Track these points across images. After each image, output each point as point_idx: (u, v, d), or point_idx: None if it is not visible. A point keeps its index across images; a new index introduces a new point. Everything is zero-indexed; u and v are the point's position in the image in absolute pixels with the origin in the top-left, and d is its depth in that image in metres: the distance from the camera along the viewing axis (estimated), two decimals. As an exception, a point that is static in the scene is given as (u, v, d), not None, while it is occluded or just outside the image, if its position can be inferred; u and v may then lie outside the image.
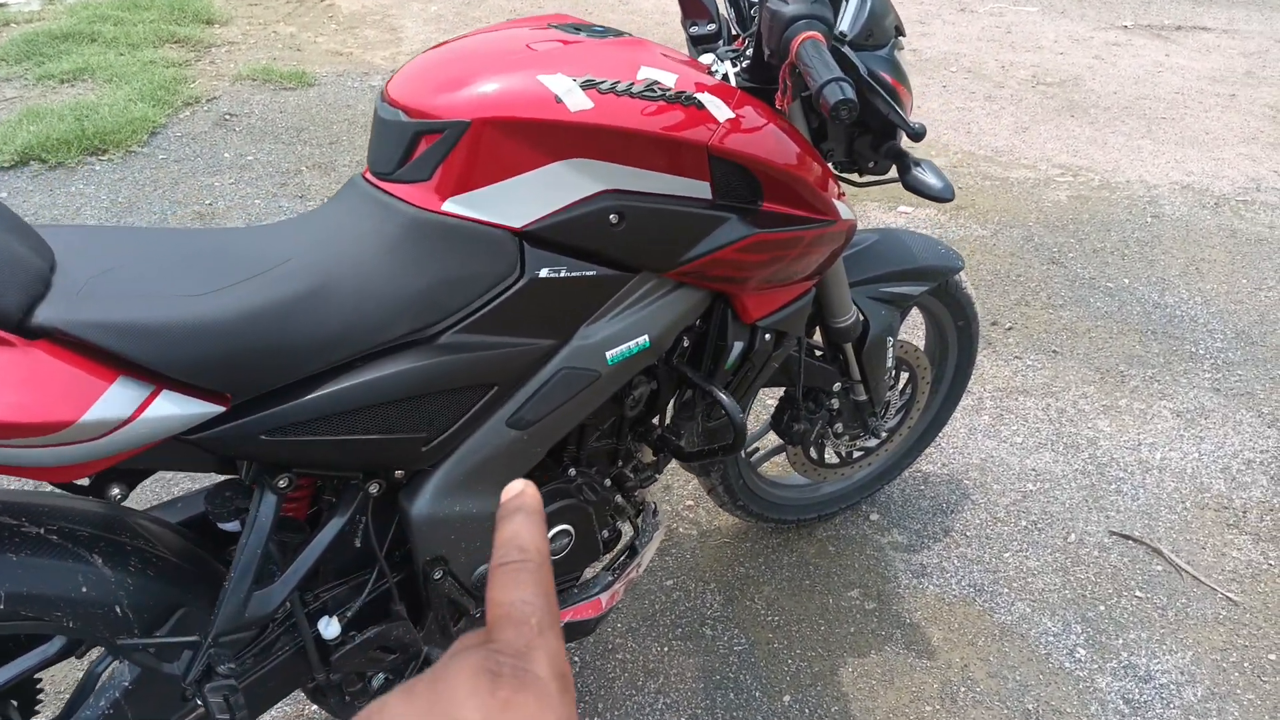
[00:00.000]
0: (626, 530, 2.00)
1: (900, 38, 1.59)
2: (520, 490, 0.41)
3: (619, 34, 1.44)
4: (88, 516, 1.18)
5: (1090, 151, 4.30)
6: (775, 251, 1.45)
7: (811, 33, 1.21)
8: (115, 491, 1.16)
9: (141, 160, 3.89)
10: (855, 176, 1.69)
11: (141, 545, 1.20)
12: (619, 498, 1.63)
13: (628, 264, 1.38)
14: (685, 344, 1.54)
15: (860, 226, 3.62)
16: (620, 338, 1.41)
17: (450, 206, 1.26)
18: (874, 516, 2.32)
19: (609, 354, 1.40)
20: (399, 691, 0.34)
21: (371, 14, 5.83)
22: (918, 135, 1.56)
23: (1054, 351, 2.93)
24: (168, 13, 5.88)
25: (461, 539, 1.38)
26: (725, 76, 1.49)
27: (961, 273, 2.01)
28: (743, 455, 2.04)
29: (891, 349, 1.90)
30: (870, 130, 1.60)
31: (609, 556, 1.73)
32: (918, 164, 1.54)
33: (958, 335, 2.13)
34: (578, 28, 1.41)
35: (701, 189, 1.36)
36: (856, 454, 2.16)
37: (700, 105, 1.31)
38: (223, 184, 3.71)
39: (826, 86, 1.15)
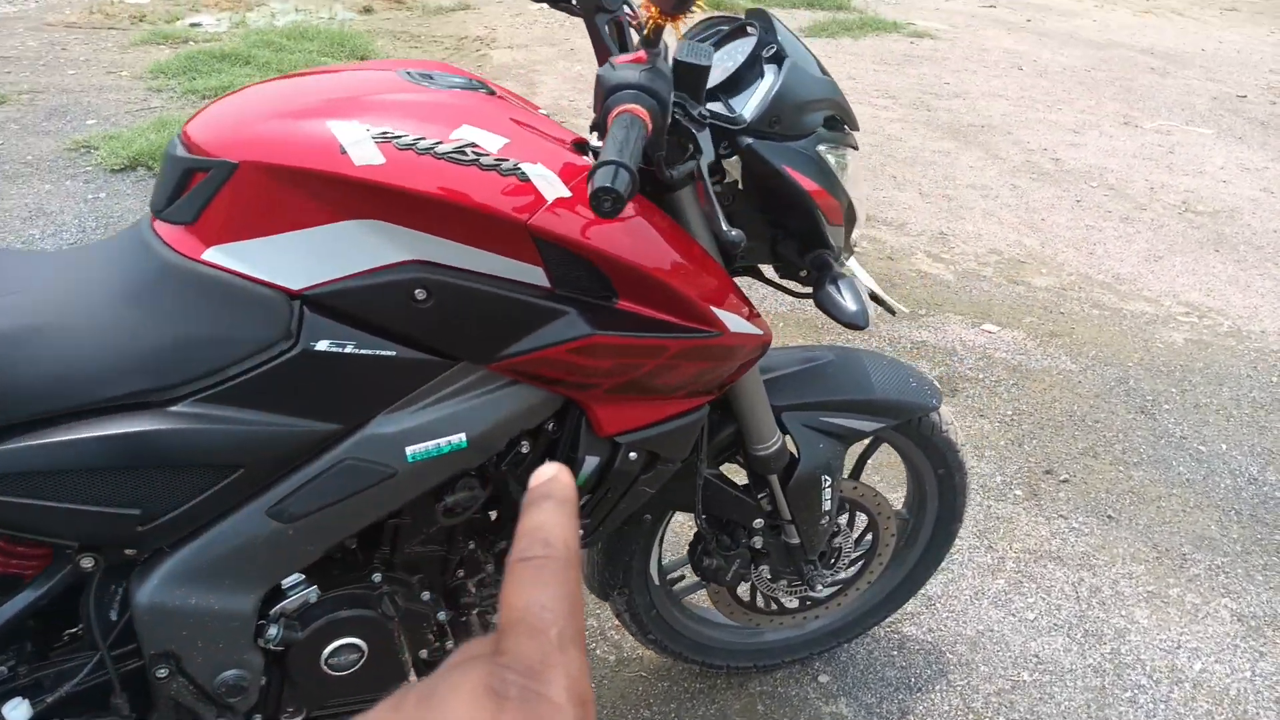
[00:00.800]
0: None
1: (843, 133, 1.34)
2: (552, 475, 0.36)
3: (482, 88, 1.26)
4: None
5: (1227, 293, 3.79)
6: (624, 359, 1.22)
7: (630, 106, 0.99)
8: None
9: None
10: (795, 286, 1.44)
11: None
12: (442, 614, 1.41)
13: (440, 349, 1.18)
14: (524, 449, 1.31)
15: (932, 341, 3.28)
16: (427, 433, 1.21)
17: (212, 255, 1.10)
18: (823, 679, 1.99)
19: (410, 450, 1.20)
20: (384, 705, 0.30)
21: (519, 67, 5.89)
22: (828, 247, 1.30)
23: (1109, 517, 2.51)
24: (327, 45, 6.14)
25: (198, 636, 1.20)
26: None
27: (939, 412, 1.70)
28: (658, 582, 1.78)
29: (830, 489, 1.60)
30: (792, 234, 1.35)
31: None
32: (838, 279, 1.29)
33: (938, 485, 1.80)
34: (430, 75, 1.24)
35: (533, 274, 1.16)
36: (791, 602, 1.85)
37: (524, 178, 1.11)
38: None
39: (597, 170, 0.92)
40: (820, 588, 1.74)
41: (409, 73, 1.23)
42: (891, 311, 1.57)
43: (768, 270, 1.47)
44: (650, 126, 1.00)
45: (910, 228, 4.17)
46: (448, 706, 0.29)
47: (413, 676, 1.47)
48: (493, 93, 1.27)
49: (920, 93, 6.06)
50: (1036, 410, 2.95)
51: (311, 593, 1.29)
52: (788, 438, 1.56)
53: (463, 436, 1.22)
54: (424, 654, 1.43)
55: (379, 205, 1.09)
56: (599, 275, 1.18)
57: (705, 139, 1.17)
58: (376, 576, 1.34)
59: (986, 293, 3.67)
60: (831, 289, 1.28)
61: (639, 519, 1.61)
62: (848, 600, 1.91)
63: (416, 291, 1.12)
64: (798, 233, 1.33)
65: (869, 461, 1.81)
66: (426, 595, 1.38)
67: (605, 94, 1.03)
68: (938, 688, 1.98)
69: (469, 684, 0.29)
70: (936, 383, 1.67)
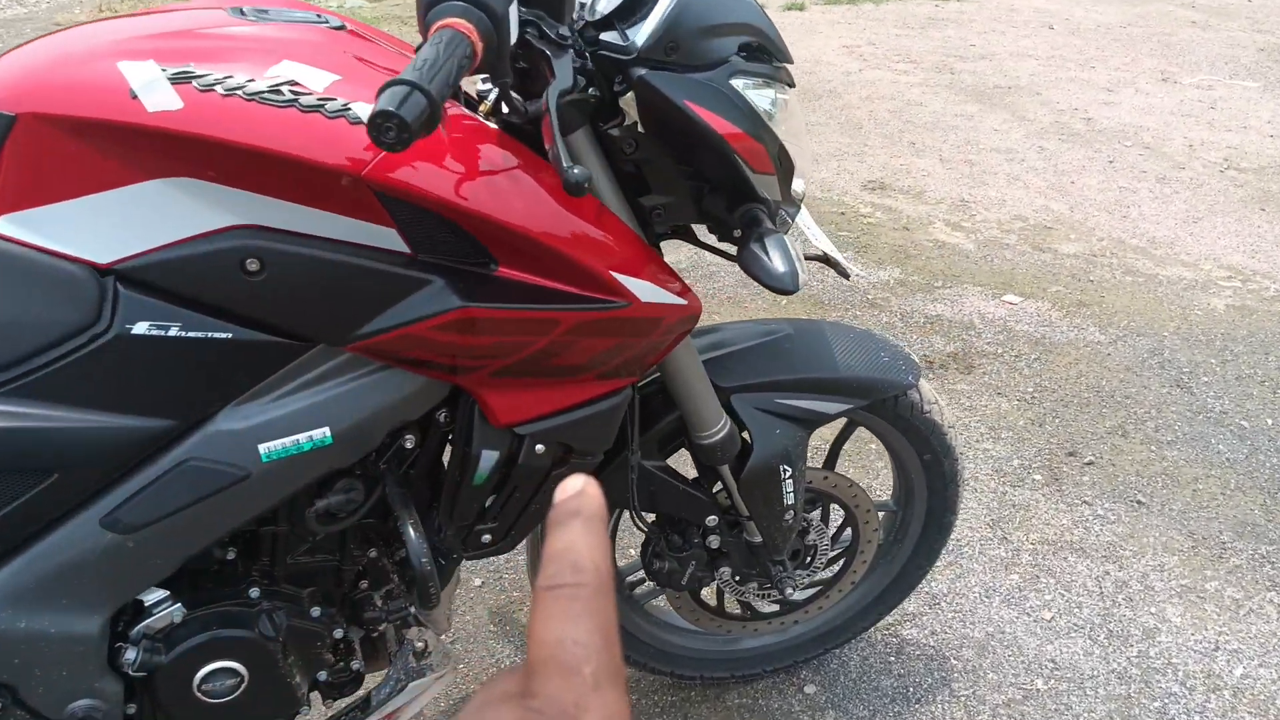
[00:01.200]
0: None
1: (768, 65, 1.13)
2: (579, 489, 0.33)
3: (331, 23, 1.08)
4: None
5: (1274, 254, 3.49)
6: (507, 336, 1.03)
7: (453, 20, 0.80)
8: None
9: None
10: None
11: None
12: (339, 631, 1.23)
13: (285, 329, 1.01)
14: (408, 444, 1.13)
15: (948, 315, 3.04)
16: (283, 428, 1.03)
17: (1, 227, 0.93)
18: (810, 689, 1.79)
19: (264, 448, 1.03)
20: None
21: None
22: (740, 184, 1.10)
23: (1139, 502, 2.26)
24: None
25: (34, 663, 1.04)
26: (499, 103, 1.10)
27: (920, 390, 1.49)
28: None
29: (791, 480, 1.40)
30: (718, 187, 1.15)
31: (345, 704, 1.33)
32: (765, 237, 1.08)
33: (924, 473, 1.59)
34: (266, 11, 1.06)
35: (386, 237, 0.97)
36: (766, 606, 1.65)
37: (355, 120, 0.92)
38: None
39: (383, 91, 0.73)
40: (793, 590, 1.53)
41: (240, 9, 1.05)
42: (845, 275, 1.36)
43: (704, 235, 1.27)
44: (479, 47, 0.81)
45: (929, 195, 3.92)
46: None
47: (317, 697, 1.31)
48: (342, 28, 1.08)
49: (944, 55, 5.77)
50: (1060, 386, 2.70)
51: (176, 611, 1.12)
52: (738, 423, 1.36)
53: (326, 431, 1.05)
54: (324, 676, 1.26)
55: (187, 160, 0.91)
56: (467, 238, 0.99)
57: (564, 65, 0.97)
58: (254, 592, 1.16)
59: (1009, 262, 3.42)
60: (756, 247, 1.08)
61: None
62: (830, 603, 1.70)
63: (247, 262, 0.95)
64: (723, 185, 1.13)
65: (844, 449, 1.61)
66: (317, 611, 1.20)
67: (425, 7, 0.84)
68: (939, 698, 1.77)
69: None
70: (915, 357, 1.46)
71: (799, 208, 1.27)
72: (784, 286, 1.05)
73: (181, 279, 0.95)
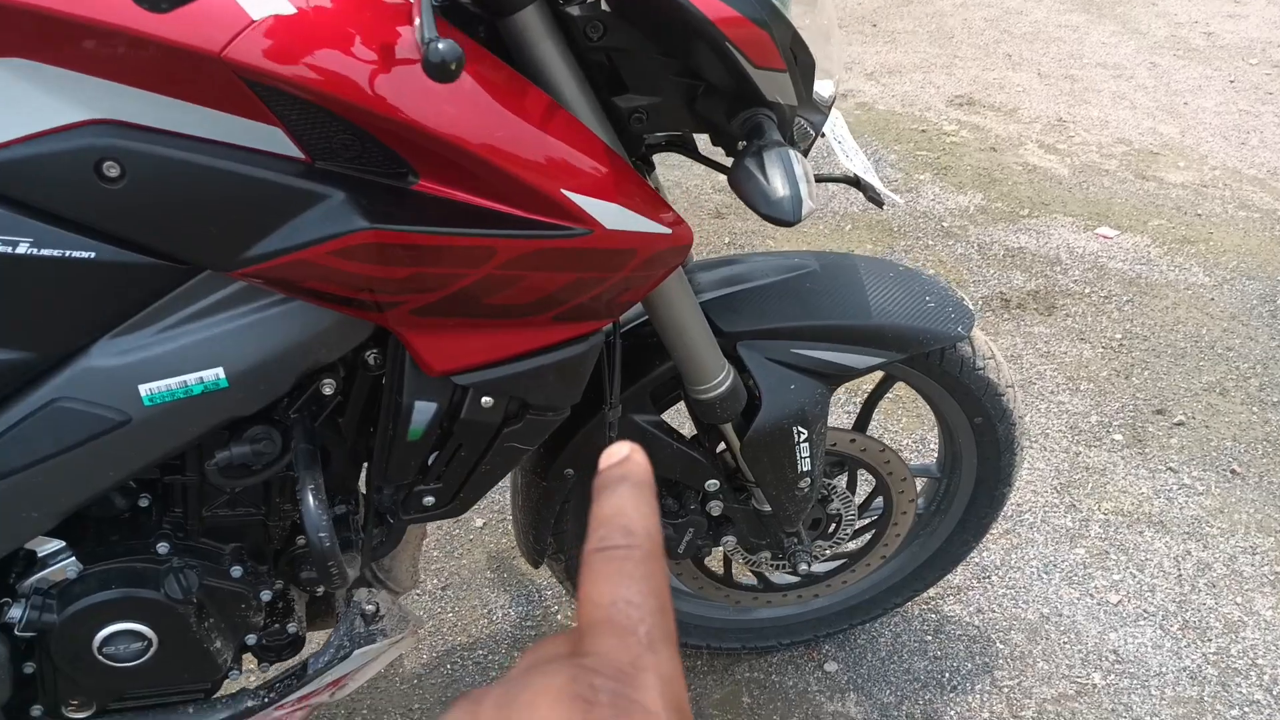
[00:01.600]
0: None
1: None
2: (625, 455, 0.33)
3: None
4: None
5: None
6: (428, 266, 0.83)
7: None
8: None
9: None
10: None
11: None
12: (267, 593, 1.08)
13: (160, 249, 0.83)
14: (326, 390, 0.95)
15: (1032, 247, 2.74)
16: (167, 366, 0.87)
17: None
18: (830, 667, 1.60)
19: (146, 389, 0.87)
20: (458, 709, 0.27)
21: None
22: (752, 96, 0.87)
23: (1233, 472, 1.98)
24: None
25: None
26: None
27: (972, 342, 1.25)
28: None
29: (808, 443, 1.19)
30: (715, 88, 0.92)
31: (282, 669, 1.19)
32: (766, 151, 0.86)
33: (975, 437, 1.36)
34: None
35: (273, 139, 0.78)
36: (781, 578, 1.46)
37: (221, -20, 0.72)
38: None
39: None
40: (809, 565, 1.33)
41: None
42: (877, 203, 1.11)
43: (707, 147, 1.04)
44: None
45: (1022, 114, 3.55)
46: (532, 714, 0.25)
47: (252, 663, 1.17)
48: None
49: (1053, -40, 5.24)
50: (1153, 334, 2.40)
51: (70, 566, 0.98)
52: (745, 375, 1.15)
53: (219, 373, 0.87)
54: (252, 640, 1.12)
55: (24, 35, 0.73)
56: (374, 143, 0.79)
57: None
58: (163, 547, 1.01)
59: (1107, 190, 3.06)
60: (751, 163, 0.85)
61: (559, 474, 1.24)
62: (856, 577, 1.50)
63: (104, 165, 0.76)
64: (720, 84, 0.90)
65: (880, 405, 1.38)
66: (238, 570, 1.05)
67: None
68: (978, 687, 1.56)
69: (552, 689, 0.26)
70: (969, 303, 1.21)
71: (825, 116, 1.02)
72: (780, 215, 0.83)
73: (27, 185, 0.78)
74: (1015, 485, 1.43)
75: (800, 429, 1.17)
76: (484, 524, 1.85)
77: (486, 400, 0.96)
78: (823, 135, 1.04)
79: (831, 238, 2.84)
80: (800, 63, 0.92)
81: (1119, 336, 2.39)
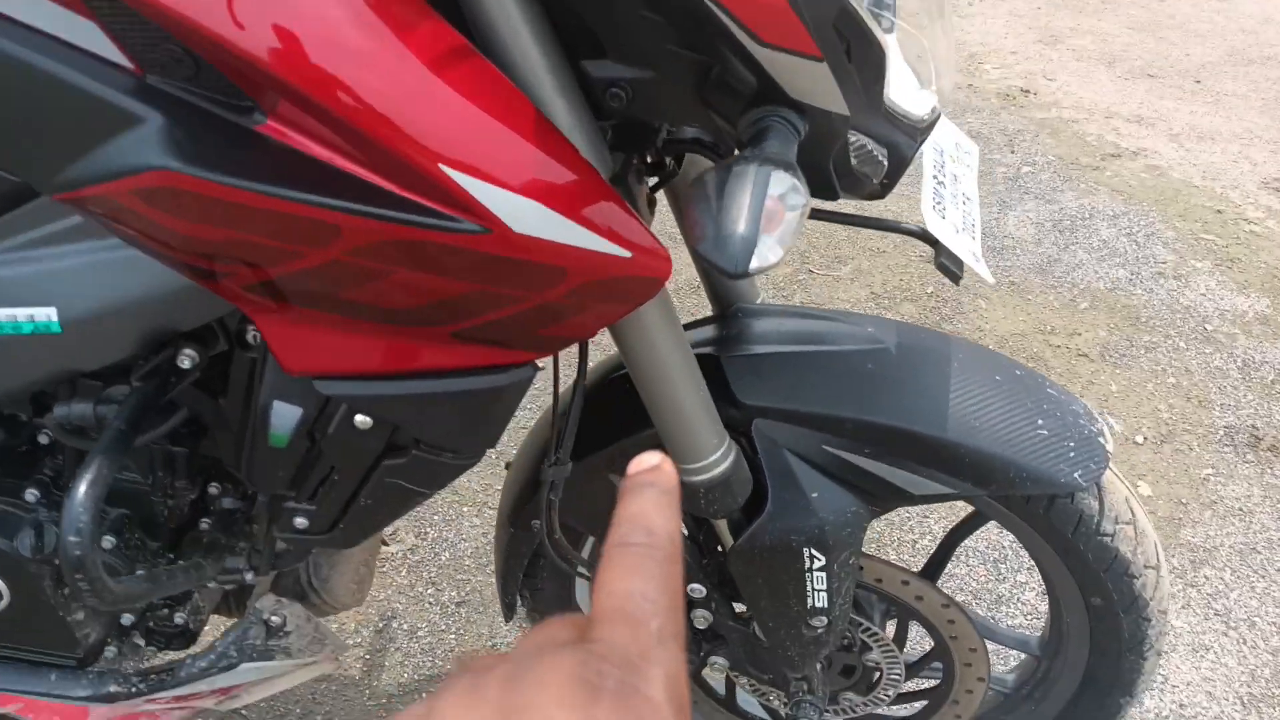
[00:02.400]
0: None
1: None
2: (655, 464, 0.34)
3: None
4: None
5: None
6: (251, 233, 0.63)
7: None
8: None
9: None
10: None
11: None
12: (143, 570, 0.93)
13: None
14: (187, 365, 0.78)
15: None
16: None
17: None
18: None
19: (-44, 326, 0.73)
20: (461, 686, 0.26)
21: None
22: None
23: None
24: None
25: None
26: None
27: (1100, 496, 0.89)
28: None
29: (824, 573, 0.89)
30: (732, 71, 0.65)
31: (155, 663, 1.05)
32: (743, 166, 0.60)
33: (1090, 622, 0.99)
34: None
35: (95, 39, 0.61)
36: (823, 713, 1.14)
37: None
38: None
39: None
40: (801, 710, 1.01)
41: None
42: (952, 277, 0.77)
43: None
44: None
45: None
46: (538, 694, 0.25)
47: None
48: None
49: None
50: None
51: None
52: (754, 466, 0.86)
53: (52, 313, 0.72)
54: (128, 620, 0.98)
55: None
56: (206, 65, 0.59)
57: None
58: (32, 494, 0.89)
59: None
60: (710, 181, 0.57)
61: (525, 524, 1.01)
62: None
63: None
64: (725, 64, 0.63)
65: (964, 545, 1.03)
66: (110, 540, 0.90)
67: None
68: None
69: (562, 671, 0.26)
70: (1108, 439, 0.84)
71: (914, 141, 0.71)
72: (717, 260, 0.55)
73: None
74: (1139, 697, 1.03)
75: (815, 553, 0.87)
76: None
77: (362, 420, 0.75)
78: (907, 165, 0.73)
79: (1059, 314, 2.40)
80: (855, 53, 0.63)
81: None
